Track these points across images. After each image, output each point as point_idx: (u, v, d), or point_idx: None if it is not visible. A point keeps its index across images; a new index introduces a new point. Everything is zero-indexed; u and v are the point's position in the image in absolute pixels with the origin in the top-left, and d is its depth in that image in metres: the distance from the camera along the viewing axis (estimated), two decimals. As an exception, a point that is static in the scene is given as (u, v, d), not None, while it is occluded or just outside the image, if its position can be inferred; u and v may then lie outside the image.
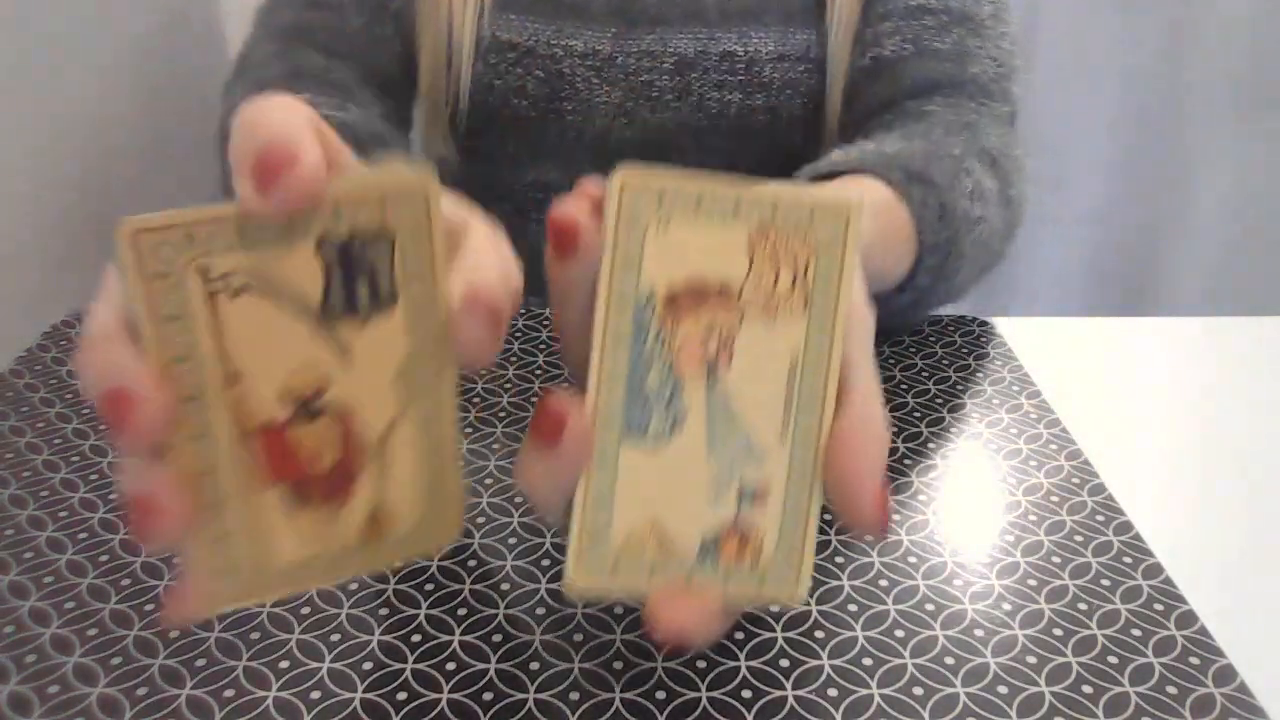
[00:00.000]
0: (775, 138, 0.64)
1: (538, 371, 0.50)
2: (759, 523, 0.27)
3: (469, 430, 0.46)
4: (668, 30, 0.63)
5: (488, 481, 0.43)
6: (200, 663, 0.33)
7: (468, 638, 0.35)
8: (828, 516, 0.40)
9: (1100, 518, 0.41)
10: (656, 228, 0.26)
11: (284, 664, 0.33)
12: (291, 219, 0.24)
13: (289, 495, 0.26)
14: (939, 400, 0.49)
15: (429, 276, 0.26)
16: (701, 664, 0.33)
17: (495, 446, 0.45)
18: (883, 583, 0.37)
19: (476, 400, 0.48)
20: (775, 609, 0.36)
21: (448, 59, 0.64)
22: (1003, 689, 0.33)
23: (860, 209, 0.27)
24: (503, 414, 0.47)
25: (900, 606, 0.36)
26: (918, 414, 0.48)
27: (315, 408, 0.26)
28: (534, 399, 0.48)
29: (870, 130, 0.59)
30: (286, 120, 0.24)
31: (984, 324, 0.56)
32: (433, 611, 0.36)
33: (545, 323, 0.55)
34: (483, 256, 0.30)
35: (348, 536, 0.27)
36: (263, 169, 0.23)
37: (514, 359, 0.52)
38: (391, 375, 0.27)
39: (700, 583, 0.27)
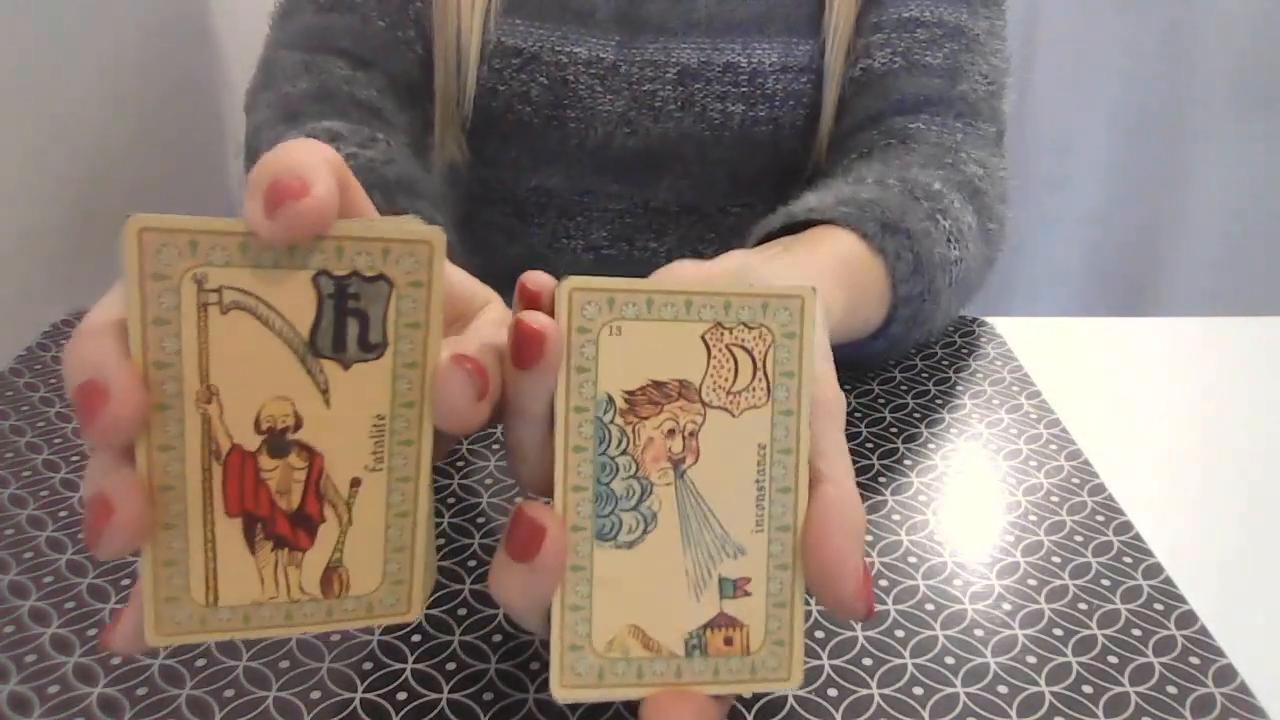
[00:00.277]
0: (778, 148, 0.64)
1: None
2: (744, 614, 0.27)
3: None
4: (671, 40, 0.63)
5: (488, 482, 0.43)
6: (200, 663, 0.33)
7: (468, 638, 0.35)
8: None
9: (1100, 518, 0.41)
10: (609, 332, 0.26)
11: (284, 664, 0.33)
12: (294, 247, 0.24)
13: (248, 530, 0.26)
14: (939, 400, 0.49)
15: (422, 332, 0.26)
16: (701, 664, 0.33)
17: (495, 447, 0.45)
18: (883, 583, 0.37)
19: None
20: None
21: (457, 62, 0.64)
22: (1003, 689, 0.33)
23: (814, 296, 0.27)
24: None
25: (900, 606, 0.36)
26: (918, 414, 0.48)
27: (285, 442, 0.25)
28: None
29: (852, 156, 0.59)
30: (308, 154, 0.24)
31: (984, 324, 0.56)
32: (432, 612, 0.36)
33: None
34: (486, 330, 0.30)
35: (303, 588, 0.26)
36: (273, 193, 0.23)
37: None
38: (368, 426, 0.26)
39: (692, 680, 0.27)
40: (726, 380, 0.26)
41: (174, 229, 0.23)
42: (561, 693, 0.26)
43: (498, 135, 0.66)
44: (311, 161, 0.24)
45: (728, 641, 0.27)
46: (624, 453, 0.26)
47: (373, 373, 0.26)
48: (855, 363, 0.31)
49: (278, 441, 0.25)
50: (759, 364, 0.27)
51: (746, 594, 0.27)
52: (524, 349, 0.25)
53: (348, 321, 0.25)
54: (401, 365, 0.26)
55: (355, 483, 0.26)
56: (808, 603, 0.36)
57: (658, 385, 0.26)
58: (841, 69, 0.63)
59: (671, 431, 0.26)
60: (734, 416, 0.27)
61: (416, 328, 0.26)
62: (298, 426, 0.25)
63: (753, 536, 0.27)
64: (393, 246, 0.25)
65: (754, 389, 0.27)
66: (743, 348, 0.27)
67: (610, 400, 0.26)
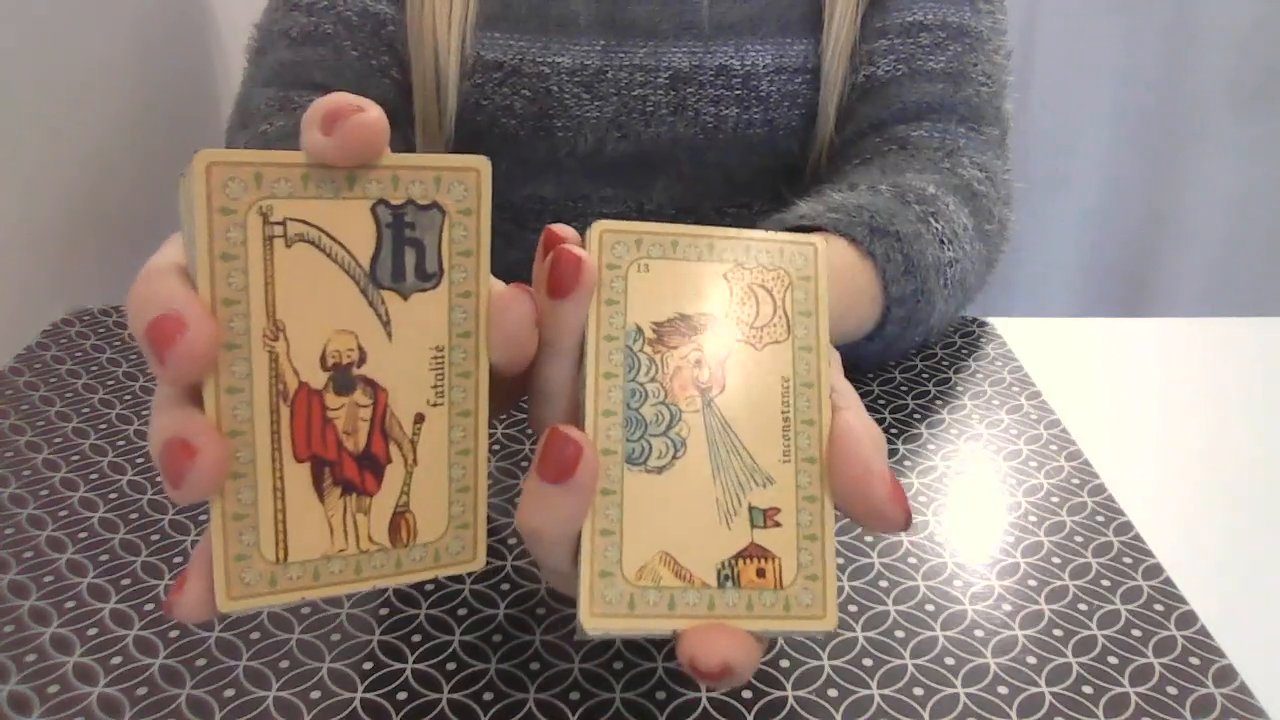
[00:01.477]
0: (773, 149, 0.64)
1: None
2: (776, 545, 0.27)
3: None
4: (661, 44, 0.63)
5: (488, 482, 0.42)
6: (200, 663, 0.33)
7: (468, 638, 0.35)
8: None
9: (1100, 518, 0.41)
10: (637, 269, 0.27)
11: (284, 664, 0.33)
12: (353, 178, 0.25)
13: (316, 475, 0.25)
14: (939, 401, 0.49)
15: (474, 260, 0.26)
16: (701, 664, 0.33)
17: (495, 448, 0.45)
18: (883, 583, 0.37)
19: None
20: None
21: (437, 80, 0.64)
22: (1003, 689, 0.33)
23: (825, 246, 0.28)
24: (503, 415, 0.47)
25: (900, 607, 0.36)
26: (918, 415, 0.48)
27: (351, 378, 0.25)
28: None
29: (853, 162, 0.59)
30: (355, 95, 0.25)
31: (984, 324, 0.56)
32: (433, 611, 0.36)
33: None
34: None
35: (371, 537, 0.26)
36: (330, 114, 0.24)
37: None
38: (428, 358, 0.26)
39: (725, 614, 0.26)
40: (749, 315, 0.27)
41: (240, 162, 0.23)
42: (591, 622, 0.26)
43: (485, 149, 0.66)
44: (361, 99, 0.25)
45: (760, 573, 0.27)
46: (653, 380, 0.27)
47: (430, 302, 0.26)
48: (852, 363, 0.31)
49: (343, 377, 0.25)
50: (778, 303, 0.28)
51: (777, 524, 0.27)
52: (563, 276, 0.26)
53: (405, 250, 0.25)
54: (456, 295, 0.26)
55: (419, 419, 0.26)
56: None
57: (684, 318, 0.27)
58: (843, 73, 0.63)
59: (699, 361, 0.27)
60: (757, 350, 0.27)
61: (468, 255, 0.26)
62: (362, 361, 0.25)
63: (780, 467, 0.27)
64: (444, 174, 0.26)
65: (774, 325, 0.27)
66: (763, 287, 0.28)
67: (639, 330, 0.27)
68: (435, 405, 0.26)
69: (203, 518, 0.40)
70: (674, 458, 0.27)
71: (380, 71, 0.63)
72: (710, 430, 0.27)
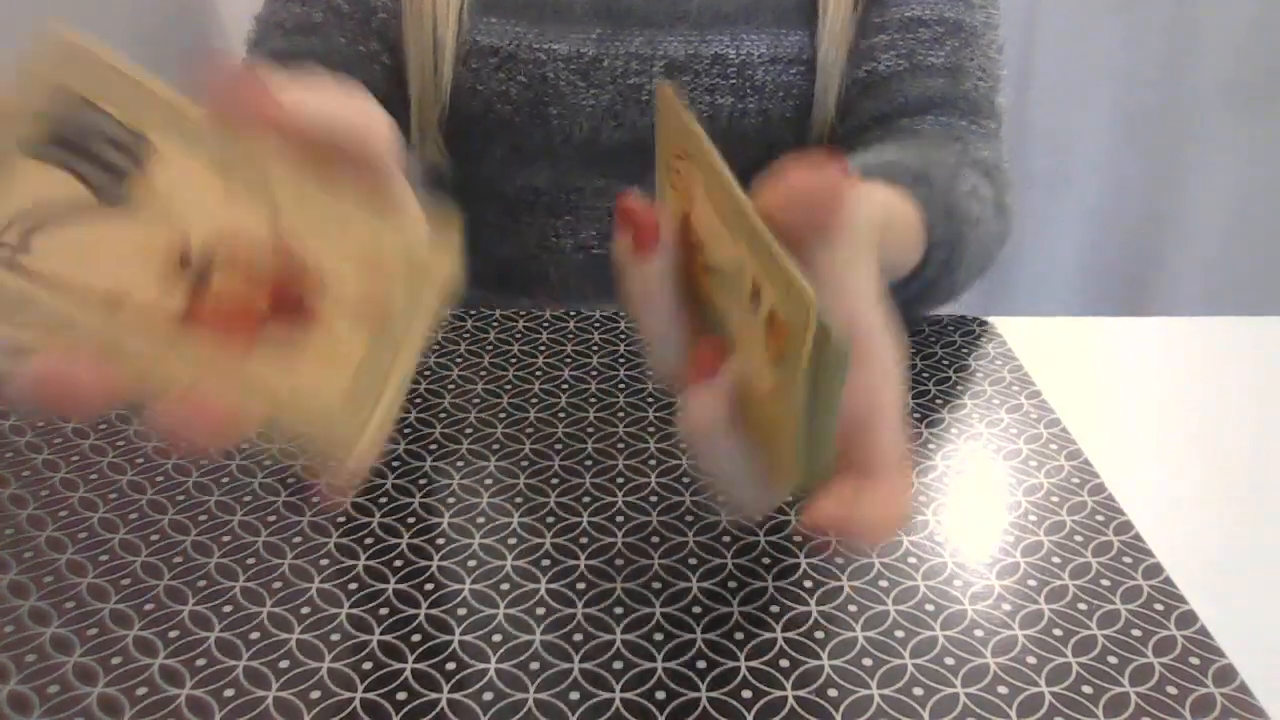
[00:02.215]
0: (768, 140, 0.64)
1: (537, 373, 0.50)
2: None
3: (469, 430, 0.46)
4: (657, 32, 0.63)
5: (488, 482, 0.43)
6: (200, 663, 0.33)
7: (467, 638, 0.35)
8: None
9: (1100, 518, 0.41)
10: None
11: (284, 664, 0.33)
12: None
13: (266, 348, 0.25)
14: (939, 400, 0.49)
15: (136, 99, 0.25)
16: (701, 664, 0.33)
17: (495, 447, 0.45)
18: (883, 583, 0.37)
19: (476, 401, 0.48)
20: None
21: (435, 64, 0.64)
22: (1003, 689, 0.33)
23: (815, 307, 0.26)
24: (503, 415, 0.47)
25: (900, 607, 0.36)
26: (918, 414, 0.48)
27: (197, 265, 0.25)
28: (533, 399, 0.48)
29: (863, 144, 0.60)
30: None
31: (984, 324, 0.56)
32: (432, 611, 0.36)
33: (545, 324, 0.55)
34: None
35: (351, 343, 0.26)
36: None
37: (513, 360, 0.52)
38: (217, 192, 0.25)
39: None
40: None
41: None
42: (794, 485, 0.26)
43: (480, 134, 0.66)
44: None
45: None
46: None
47: (166, 157, 0.25)
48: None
49: (193, 271, 0.25)
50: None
51: None
52: (643, 236, 0.27)
53: (92, 159, 0.25)
54: (171, 126, 0.25)
55: (272, 227, 0.26)
56: (808, 601, 0.36)
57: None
58: (839, 64, 0.63)
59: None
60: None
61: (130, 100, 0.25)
62: (188, 249, 0.25)
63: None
64: (30, 79, 0.25)
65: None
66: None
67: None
68: (274, 213, 0.26)
69: (202, 518, 0.40)
70: None
71: (369, 57, 0.64)
72: None
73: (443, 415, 0.47)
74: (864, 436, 0.27)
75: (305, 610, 0.36)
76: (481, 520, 0.40)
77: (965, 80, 0.61)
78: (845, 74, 0.63)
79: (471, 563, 0.38)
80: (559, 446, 0.45)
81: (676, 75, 0.63)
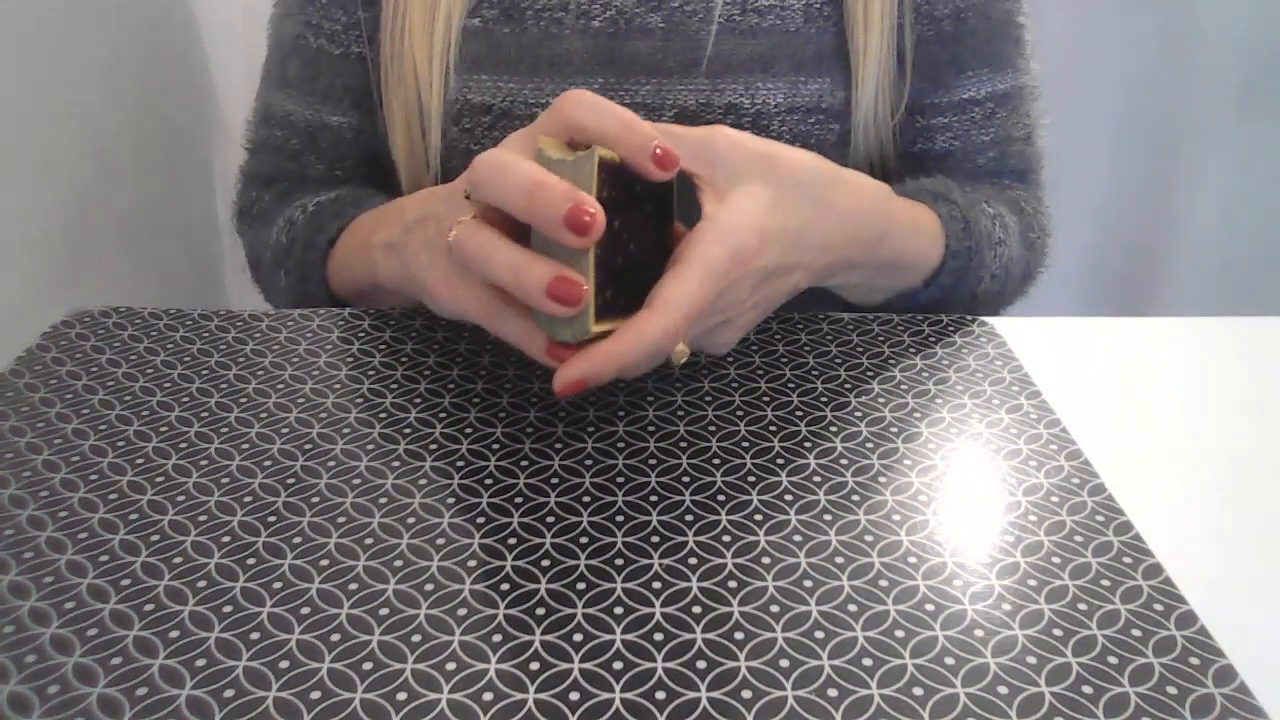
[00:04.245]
0: None
1: (538, 372, 0.50)
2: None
3: (469, 430, 0.46)
4: (665, 81, 0.60)
5: (487, 482, 0.43)
6: (200, 663, 0.33)
7: (468, 638, 0.35)
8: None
9: (1100, 518, 0.41)
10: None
11: (284, 664, 0.33)
12: None
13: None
14: (939, 400, 0.49)
15: None
16: (701, 664, 0.34)
17: (494, 447, 0.45)
18: (883, 583, 0.37)
19: (476, 400, 0.48)
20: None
21: (422, 127, 0.62)
22: (1003, 689, 0.33)
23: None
24: (503, 414, 0.47)
25: (900, 606, 0.36)
26: (918, 414, 0.48)
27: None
28: (533, 399, 0.48)
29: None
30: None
31: (984, 324, 0.56)
32: (432, 611, 0.36)
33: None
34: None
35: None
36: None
37: (513, 360, 0.52)
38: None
39: None
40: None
41: None
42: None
43: None
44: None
45: None
46: None
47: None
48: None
49: None
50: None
51: None
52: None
53: None
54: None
55: None
56: (808, 601, 0.36)
57: None
58: (879, 111, 0.63)
59: None
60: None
61: None
62: None
63: None
64: None
65: None
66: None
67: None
68: None
69: (202, 518, 0.40)
70: None
71: (358, 132, 0.68)
72: None
73: (443, 415, 0.47)
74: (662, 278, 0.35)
75: (305, 610, 0.36)
76: (481, 520, 0.40)
77: (1011, 147, 0.66)
78: (888, 139, 0.64)
79: (472, 563, 0.38)
80: (559, 446, 0.45)
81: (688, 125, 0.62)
